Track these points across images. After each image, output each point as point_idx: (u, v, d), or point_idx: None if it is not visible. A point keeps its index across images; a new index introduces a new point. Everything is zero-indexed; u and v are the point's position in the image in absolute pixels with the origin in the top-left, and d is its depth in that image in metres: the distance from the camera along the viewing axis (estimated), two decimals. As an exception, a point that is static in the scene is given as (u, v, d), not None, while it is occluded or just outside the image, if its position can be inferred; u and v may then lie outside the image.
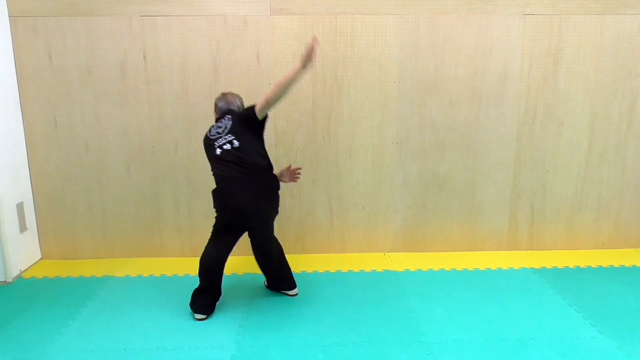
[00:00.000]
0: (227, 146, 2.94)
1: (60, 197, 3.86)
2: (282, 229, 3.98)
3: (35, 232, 3.90)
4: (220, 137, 2.97)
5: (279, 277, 3.30)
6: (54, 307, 3.17)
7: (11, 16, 3.57)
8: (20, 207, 3.67)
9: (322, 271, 3.68)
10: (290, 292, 3.30)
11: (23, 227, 3.71)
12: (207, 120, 3.75)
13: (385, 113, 3.81)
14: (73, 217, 3.90)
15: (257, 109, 2.93)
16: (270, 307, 3.16)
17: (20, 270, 3.67)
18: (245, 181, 2.94)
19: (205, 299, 3.05)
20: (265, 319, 3.01)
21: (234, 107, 3.14)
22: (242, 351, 2.68)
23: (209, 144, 3.03)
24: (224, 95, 3.21)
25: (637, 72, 3.81)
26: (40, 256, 3.95)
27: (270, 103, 2.89)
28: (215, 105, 3.20)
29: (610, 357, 2.60)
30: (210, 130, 3.07)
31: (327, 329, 2.90)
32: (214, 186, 3.82)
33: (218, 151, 2.95)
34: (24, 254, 3.73)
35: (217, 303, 3.09)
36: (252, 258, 3.98)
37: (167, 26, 3.62)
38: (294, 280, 3.31)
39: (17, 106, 3.67)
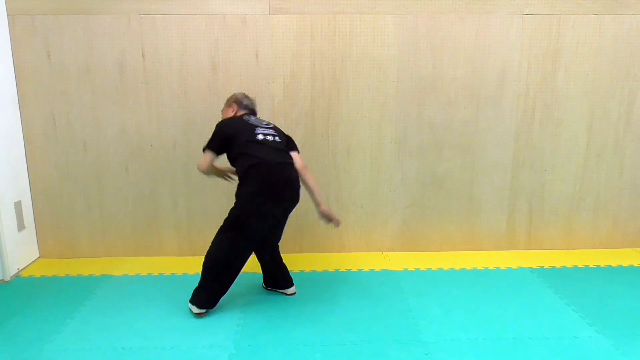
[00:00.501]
0: (270, 137, 3.00)
1: (59, 196, 3.85)
2: (281, 228, 3.98)
3: (33, 230, 3.89)
4: (262, 127, 3.04)
5: (280, 277, 3.30)
6: (52, 306, 3.17)
7: (9, 14, 3.56)
8: (18, 205, 3.67)
9: (320, 270, 3.68)
10: (288, 291, 3.29)
11: (21, 226, 3.71)
12: (205, 119, 3.75)
13: (383, 112, 3.81)
14: (71, 216, 3.89)
15: (295, 152, 3.13)
16: (269, 306, 3.16)
17: (18, 269, 3.67)
18: (286, 168, 3.00)
19: (208, 294, 3.05)
20: (264, 318, 3.01)
21: (253, 107, 3.27)
22: (240, 350, 2.68)
23: (247, 128, 3.02)
24: (246, 96, 3.27)
25: (635, 72, 3.82)
26: (38, 255, 3.94)
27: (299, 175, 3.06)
28: (238, 100, 3.22)
29: (608, 356, 2.61)
30: (244, 117, 3.10)
31: (325, 328, 2.90)
32: (212, 184, 3.83)
33: (260, 136, 2.98)
34: (21, 253, 3.73)
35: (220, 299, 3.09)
36: (251, 257, 3.98)
37: (166, 25, 3.61)
38: (291, 279, 3.31)
39: (15, 105, 3.67)
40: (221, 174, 3.25)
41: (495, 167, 3.93)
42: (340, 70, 3.73)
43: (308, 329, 2.88)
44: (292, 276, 3.31)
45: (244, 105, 3.21)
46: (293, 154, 3.11)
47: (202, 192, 3.88)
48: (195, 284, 3.06)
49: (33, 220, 3.88)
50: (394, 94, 3.78)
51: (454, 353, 2.64)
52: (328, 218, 3.13)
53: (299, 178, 3.06)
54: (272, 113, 3.77)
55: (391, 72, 3.74)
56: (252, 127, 3.02)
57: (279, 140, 3.05)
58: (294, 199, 3.04)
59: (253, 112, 3.23)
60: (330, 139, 3.83)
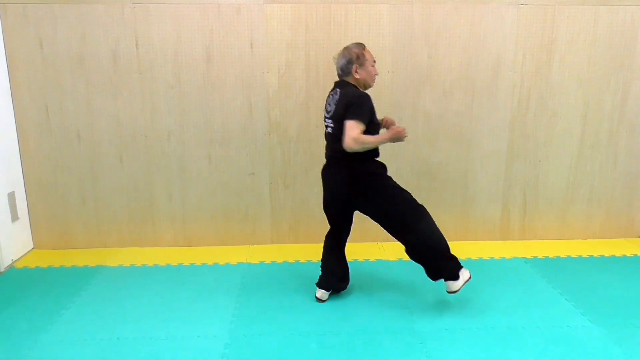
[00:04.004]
0: (329, 129, 2.90)
1: (53, 187, 3.84)
2: (276, 218, 3.99)
3: (27, 221, 3.88)
4: (326, 118, 2.93)
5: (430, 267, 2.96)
6: (47, 297, 3.17)
7: (0, 3, 3.52)
8: (11, 196, 3.65)
9: (315, 261, 3.69)
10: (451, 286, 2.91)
11: (15, 217, 3.69)
12: (200, 109, 3.74)
13: (378, 103, 3.77)
14: (65, 207, 3.88)
15: (348, 125, 2.67)
16: (264, 296, 3.17)
17: (12, 260, 3.66)
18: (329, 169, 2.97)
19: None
20: (259, 309, 3.02)
21: (344, 72, 2.88)
22: (236, 340, 2.68)
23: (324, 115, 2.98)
24: (341, 50, 2.92)
25: (630, 64, 3.83)
26: (32, 246, 3.93)
27: (358, 147, 2.69)
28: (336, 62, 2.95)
29: (601, 346, 2.63)
30: (327, 101, 2.95)
31: (320, 318, 2.91)
32: (207, 174, 3.83)
33: (329, 129, 2.90)
34: (15, 244, 3.72)
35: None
36: (241, 247, 4.01)
37: (160, 14, 3.58)
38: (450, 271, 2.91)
39: (7, 95, 3.63)
40: (384, 141, 2.83)
41: (490, 157, 3.94)
42: (335, 61, 3.71)
43: (303, 319, 2.89)
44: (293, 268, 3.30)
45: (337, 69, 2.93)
46: (349, 118, 2.71)
47: (196, 183, 3.88)
48: (191, 275, 3.05)
49: (27, 211, 3.86)
50: (388, 84, 3.77)
51: (448, 342, 2.66)
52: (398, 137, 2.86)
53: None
54: (267, 103, 3.76)
55: (386, 62, 3.73)
56: (325, 118, 2.97)
57: (331, 130, 2.89)
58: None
59: (340, 84, 2.90)
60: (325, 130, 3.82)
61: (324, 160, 3.84)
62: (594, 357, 2.53)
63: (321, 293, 3.08)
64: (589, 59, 3.80)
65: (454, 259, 2.91)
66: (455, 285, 2.88)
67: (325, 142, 3.02)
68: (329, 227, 3.15)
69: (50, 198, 3.86)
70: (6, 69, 3.61)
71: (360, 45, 2.91)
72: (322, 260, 3.16)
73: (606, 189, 4.06)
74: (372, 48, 3.70)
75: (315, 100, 3.77)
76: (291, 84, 3.74)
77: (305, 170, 3.89)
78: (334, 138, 2.82)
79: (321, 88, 3.75)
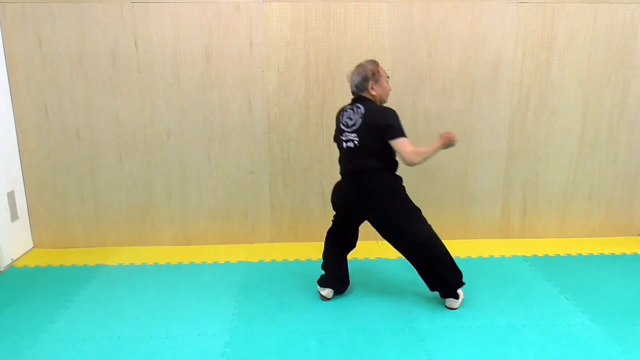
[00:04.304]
0: (350, 144, 2.86)
1: (52, 186, 3.83)
2: (276, 217, 3.99)
3: (27, 220, 3.87)
4: (346, 132, 2.88)
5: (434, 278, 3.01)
6: (47, 296, 3.17)
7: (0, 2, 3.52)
8: (11, 195, 3.65)
9: (315, 259, 3.69)
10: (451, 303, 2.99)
11: (14, 216, 3.69)
12: (199, 108, 3.73)
13: (378, 101, 3.80)
14: (65, 206, 3.88)
15: (400, 143, 2.76)
16: (264, 295, 3.17)
17: (12, 259, 3.66)
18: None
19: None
20: (259, 307, 3.02)
21: (359, 89, 2.90)
22: (236, 339, 2.69)
23: (338, 129, 2.96)
24: (355, 67, 2.93)
25: (629, 61, 3.82)
26: (32, 245, 3.93)
27: (420, 160, 2.78)
28: (349, 79, 2.96)
29: (600, 344, 2.63)
30: (343, 114, 2.94)
31: (320, 316, 2.91)
32: (205, 174, 3.83)
33: (344, 145, 2.89)
34: (15, 243, 3.72)
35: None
36: (240, 246, 4.01)
37: (159, 13, 3.58)
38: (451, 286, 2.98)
39: (6, 94, 3.63)
40: (439, 149, 2.85)
41: (490, 156, 3.94)
42: (335, 59, 3.71)
43: (303, 318, 2.89)
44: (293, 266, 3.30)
45: (352, 89, 2.96)
46: (394, 138, 2.79)
47: (196, 182, 3.88)
48: (190, 274, 3.06)
49: (27, 210, 3.86)
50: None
51: (448, 341, 2.66)
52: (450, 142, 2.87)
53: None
54: (266, 102, 3.76)
55: (386, 60, 3.72)
56: (341, 131, 2.93)
57: (357, 144, 2.87)
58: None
59: (359, 99, 2.92)
60: (324, 128, 3.82)
61: (323, 159, 3.86)
62: (593, 356, 2.53)
63: (327, 291, 3.09)
64: (589, 57, 3.80)
65: (459, 272, 2.97)
66: (456, 303, 2.97)
67: (341, 158, 2.98)
68: (328, 225, 3.15)
69: (49, 197, 3.85)
70: (5, 68, 3.61)
71: (374, 62, 2.94)
72: (323, 259, 3.16)
73: (606, 187, 4.06)
74: (372, 46, 3.71)
75: (315, 99, 3.77)
76: (290, 82, 3.73)
77: (304, 169, 3.89)
78: (359, 151, 2.83)
79: (320, 86, 3.74)
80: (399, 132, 2.78)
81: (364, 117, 2.81)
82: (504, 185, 4.01)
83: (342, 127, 2.91)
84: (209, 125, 3.78)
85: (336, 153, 3.84)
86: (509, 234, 4.12)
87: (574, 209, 4.10)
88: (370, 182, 2.87)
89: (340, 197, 3.00)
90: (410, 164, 2.79)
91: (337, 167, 3.92)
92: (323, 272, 3.15)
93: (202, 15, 3.60)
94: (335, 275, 3.11)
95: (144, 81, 3.68)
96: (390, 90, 3.01)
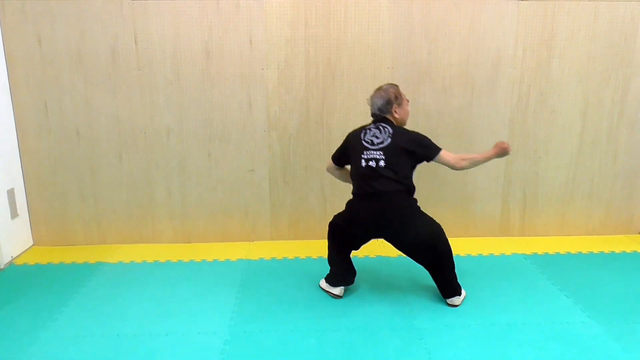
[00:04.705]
0: (372, 163, 2.86)
1: (52, 184, 3.83)
2: (275, 215, 3.99)
3: (27, 218, 3.87)
4: (370, 150, 2.88)
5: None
6: (47, 294, 3.16)
7: (-1, 0, 3.52)
8: (11, 193, 3.65)
9: (315, 257, 3.69)
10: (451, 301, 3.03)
11: (14, 214, 3.69)
12: (199, 106, 3.73)
13: (378, 99, 3.79)
14: (65, 204, 3.88)
15: (443, 156, 2.93)
16: (263, 292, 3.17)
17: (12, 256, 3.66)
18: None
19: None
20: (258, 305, 3.02)
21: (383, 112, 2.97)
22: (235, 337, 2.69)
23: (357, 148, 2.93)
24: (376, 91, 3.02)
25: (630, 60, 3.82)
26: (32, 243, 3.93)
27: (467, 164, 2.97)
28: (371, 102, 3.03)
29: (600, 342, 2.63)
30: (365, 132, 2.95)
31: (320, 314, 2.91)
32: (205, 172, 3.83)
33: (363, 163, 2.88)
34: (15, 241, 3.72)
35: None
36: (240, 244, 4.01)
37: (159, 10, 3.57)
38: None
39: (6, 92, 3.63)
40: (491, 157, 3.01)
41: (490, 154, 3.94)
42: (335, 57, 3.71)
43: (303, 315, 2.90)
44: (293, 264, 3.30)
45: (372, 112, 3.03)
46: (436, 154, 2.96)
47: (196, 179, 3.88)
48: (190, 272, 3.06)
49: (26, 208, 3.86)
50: (388, 81, 3.74)
51: (448, 339, 2.66)
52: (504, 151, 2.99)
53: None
54: (266, 99, 3.75)
55: (386, 58, 3.72)
56: (361, 148, 2.94)
57: (383, 164, 2.89)
58: None
59: (382, 120, 2.99)
60: (324, 126, 3.82)
61: (323, 157, 3.86)
62: (593, 354, 2.54)
63: (339, 290, 3.10)
64: (589, 55, 3.80)
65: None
66: (458, 300, 3.00)
67: (356, 176, 2.95)
68: (326, 224, 3.14)
69: (49, 195, 3.85)
70: (5, 66, 3.60)
71: (395, 86, 3.03)
72: (330, 258, 3.15)
73: (606, 185, 4.06)
74: (372, 44, 3.71)
75: (315, 97, 3.76)
76: (290, 80, 3.73)
77: (304, 167, 3.89)
78: (382, 171, 2.83)
79: (320, 84, 3.74)
80: (436, 148, 2.94)
81: (393, 137, 2.88)
82: (504, 183, 4.01)
83: (365, 144, 2.90)
84: (209, 123, 3.77)
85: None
86: (509, 232, 4.12)
87: (574, 207, 4.10)
88: (390, 203, 2.85)
89: (363, 219, 2.92)
90: (458, 169, 3.00)
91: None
92: (329, 272, 3.16)
93: (202, 12, 3.59)
94: (344, 269, 3.12)
95: (144, 79, 3.68)
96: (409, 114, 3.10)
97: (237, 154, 3.85)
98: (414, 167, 2.96)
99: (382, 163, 2.84)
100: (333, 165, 3.22)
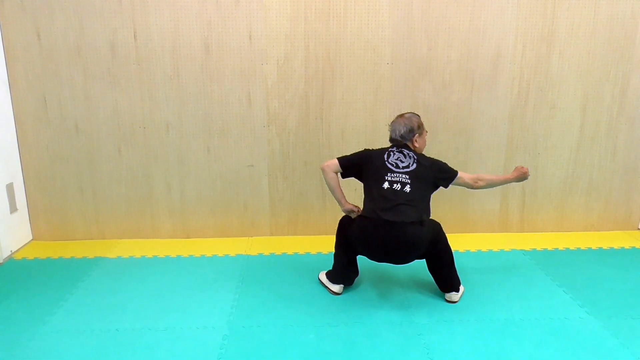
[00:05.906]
0: (397, 186, 2.84)
1: (51, 178, 3.83)
2: (275, 210, 3.99)
3: (26, 213, 3.87)
4: (396, 172, 2.88)
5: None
6: (46, 289, 3.17)
7: (-2, -7, 3.50)
8: (10, 187, 3.64)
9: (314, 253, 3.70)
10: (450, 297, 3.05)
11: (13, 208, 3.69)
12: (198, 101, 3.72)
13: (378, 95, 3.79)
14: (64, 198, 3.87)
15: (461, 177, 3.01)
16: (263, 288, 3.17)
17: (11, 251, 3.66)
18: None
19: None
20: (257, 300, 3.02)
21: (404, 138, 2.99)
22: (234, 331, 2.69)
23: (380, 167, 2.91)
24: (398, 117, 3.06)
25: (629, 55, 3.81)
26: (31, 237, 3.93)
27: (484, 184, 3.09)
28: (392, 127, 3.05)
29: (598, 337, 2.64)
30: (389, 155, 2.95)
31: (318, 309, 2.92)
32: (204, 167, 3.83)
33: (386, 185, 2.85)
34: (14, 235, 3.72)
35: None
36: (239, 239, 4.01)
37: (158, 5, 3.56)
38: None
39: (5, 86, 3.62)
40: (509, 180, 3.21)
41: (489, 149, 3.94)
42: (335, 52, 3.70)
43: (302, 310, 2.90)
44: (292, 260, 3.29)
45: (393, 137, 3.04)
46: (454, 176, 3.02)
47: (195, 175, 3.87)
48: (189, 267, 3.05)
49: (25, 203, 3.85)
50: (388, 76, 3.76)
51: (447, 334, 2.67)
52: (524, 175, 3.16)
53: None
54: (265, 95, 3.75)
55: (385, 54, 3.72)
56: (385, 171, 2.94)
57: (409, 189, 2.86)
58: None
59: (405, 146, 3.03)
60: (324, 121, 3.82)
61: (323, 152, 3.85)
62: (591, 349, 2.54)
63: (338, 287, 3.09)
64: (589, 51, 3.79)
65: None
66: (456, 296, 3.01)
67: (375, 198, 2.87)
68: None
69: (48, 189, 3.85)
70: (4, 60, 3.59)
71: (417, 116, 3.09)
72: (338, 258, 3.13)
73: (605, 181, 4.07)
74: (371, 39, 3.70)
75: (315, 92, 3.76)
76: (290, 75, 3.72)
77: (304, 162, 3.89)
78: (405, 195, 2.81)
79: (320, 80, 3.73)
80: (453, 170, 3.02)
81: (418, 162, 2.92)
82: (503, 179, 4.01)
83: (390, 166, 2.90)
84: (208, 118, 3.77)
85: (336, 146, 3.86)
86: (508, 228, 4.13)
87: (573, 203, 4.10)
88: (405, 235, 2.78)
89: (374, 245, 2.86)
90: (476, 189, 3.15)
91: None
92: (332, 268, 3.16)
93: (202, 7, 3.58)
94: (348, 270, 3.12)
95: (143, 73, 3.67)
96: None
97: (237, 149, 3.84)
98: (431, 193, 3.00)
99: (407, 188, 2.82)
100: (337, 166, 3.05)
